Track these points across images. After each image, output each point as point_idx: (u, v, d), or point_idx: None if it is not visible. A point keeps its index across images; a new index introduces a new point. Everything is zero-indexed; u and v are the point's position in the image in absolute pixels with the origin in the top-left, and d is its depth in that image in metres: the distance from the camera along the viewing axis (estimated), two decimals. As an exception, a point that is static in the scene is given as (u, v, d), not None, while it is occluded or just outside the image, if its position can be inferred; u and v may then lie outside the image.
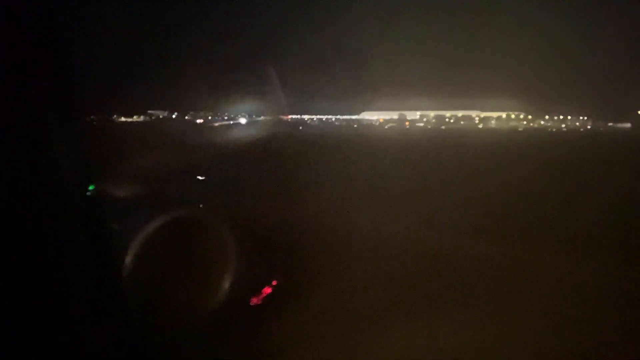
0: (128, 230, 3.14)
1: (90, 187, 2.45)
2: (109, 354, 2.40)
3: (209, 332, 3.21)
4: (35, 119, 2.18)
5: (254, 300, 3.66)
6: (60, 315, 2.20)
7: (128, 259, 3.05)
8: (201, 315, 3.34)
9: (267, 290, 3.74)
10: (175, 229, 3.32)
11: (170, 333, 3.11)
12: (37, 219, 2.12)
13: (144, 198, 3.86)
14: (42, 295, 2.13)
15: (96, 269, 2.43)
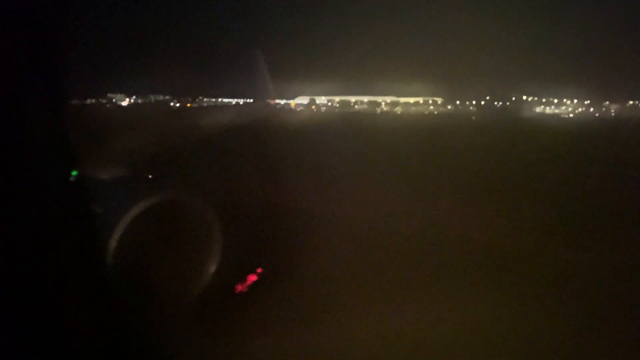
0: (112, 215, 3.10)
1: (73, 173, 2.41)
2: (92, 339, 2.38)
3: (193, 319, 3.20)
4: (15, 104, 2.12)
5: (239, 288, 3.66)
6: (42, 302, 2.17)
7: (112, 245, 3.02)
8: (185, 302, 3.33)
9: (253, 277, 3.74)
10: (159, 213, 3.29)
11: (154, 319, 3.09)
12: (19, 205, 2.08)
13: (128, 182, 3.80)
14: (24, 282, 2.10)
15: (80, 254, 2.40)
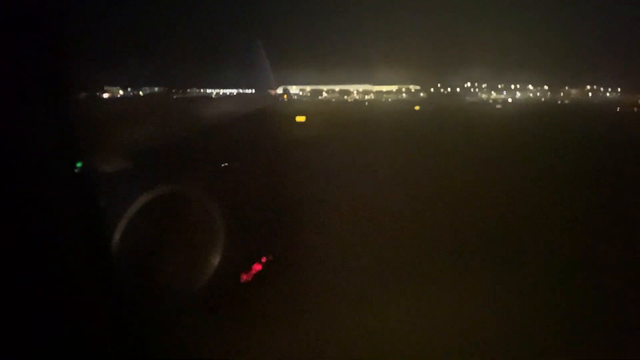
0: (117, 207, 3.11)
1: (78, 165, 2.42)
2: (100, 331, 2.40)
3: (199, 308, 3.22)
4: (21, 97, 2.13)
5: (244, 277, 3.68)
6: (49, 293, 2.19)
7: (117, 236, 3.04)
8: (191, 292, 3.35)
9: (257, 267, 3.76)
10: (164, 205, 3.30)
11: (160, 309, 3.11)
12: (25, 197, 2.09)
13: (132, 174, 3.81)
14: (30, 273, 2.12)
15: (85, 245, 2.42)
